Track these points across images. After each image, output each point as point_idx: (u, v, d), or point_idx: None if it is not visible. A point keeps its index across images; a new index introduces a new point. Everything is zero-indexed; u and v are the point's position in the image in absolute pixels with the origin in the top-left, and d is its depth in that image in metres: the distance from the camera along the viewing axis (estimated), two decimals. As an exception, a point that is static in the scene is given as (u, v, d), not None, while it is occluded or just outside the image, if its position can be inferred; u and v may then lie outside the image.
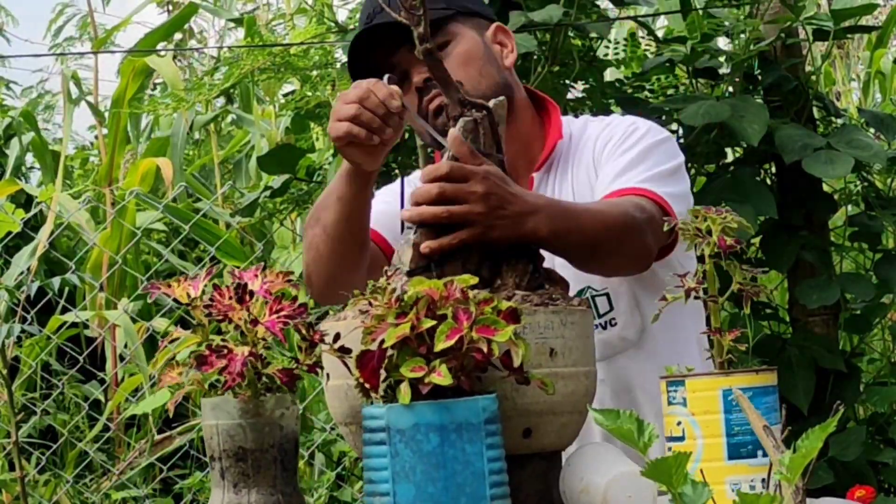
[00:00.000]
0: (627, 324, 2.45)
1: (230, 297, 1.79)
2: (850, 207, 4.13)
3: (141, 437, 5.17)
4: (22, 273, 5.30)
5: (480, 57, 2.43)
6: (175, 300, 1.84)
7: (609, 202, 2.30)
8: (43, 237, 5.24)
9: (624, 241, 2.22)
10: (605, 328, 2.45)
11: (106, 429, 5.06)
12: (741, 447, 1.72)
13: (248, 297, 1.78)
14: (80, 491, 4.85)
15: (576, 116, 3.85)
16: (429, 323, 1.69)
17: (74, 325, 5.23)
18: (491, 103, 2.04)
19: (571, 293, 2.31)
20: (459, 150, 2.01)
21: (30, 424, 4.96)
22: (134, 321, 5.14)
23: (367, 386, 1.71)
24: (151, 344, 5.29)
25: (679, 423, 1.74)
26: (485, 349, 1.69)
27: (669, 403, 1.75)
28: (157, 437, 5.06)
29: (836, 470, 3.66)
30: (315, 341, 1.78)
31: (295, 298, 1.79)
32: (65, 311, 5.15)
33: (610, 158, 2.43)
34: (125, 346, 5.19)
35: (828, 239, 3.94)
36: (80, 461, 4.96)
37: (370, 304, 1.74)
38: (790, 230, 3.81)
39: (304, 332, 1.79)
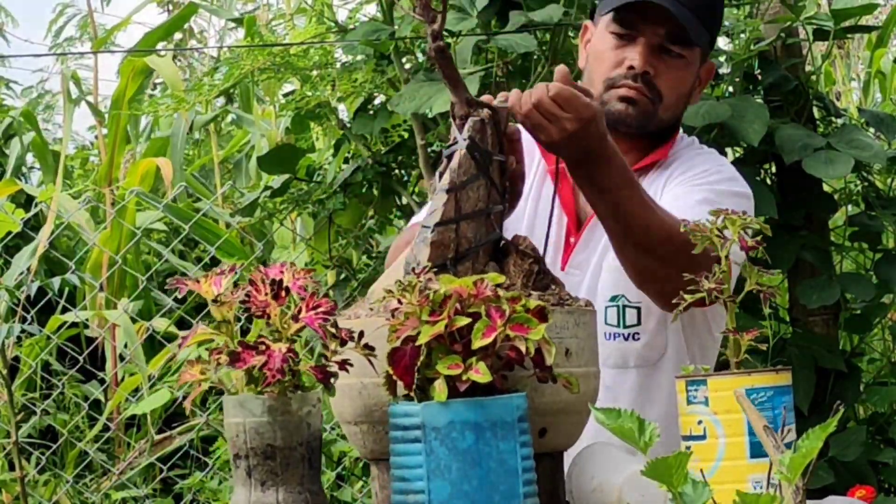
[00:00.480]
0: (650, 344, 2.46)
1: (266, 294, 1.77)
2: (850, 207, 4.13)
3: (141, 437, 5.17)
4: (22, 273, 5.30)
5: (688, 87, 2.53)
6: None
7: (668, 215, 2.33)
8: (43, 237, 5.23)
9: (672, 240, 2.17)
10: (626, 339, 2.45)
11: (106, 429, 5.06)
12: (763, 445, 1.73)
13: (283, 294, 1.77)
14: (80, 491, 4.85)
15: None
16: (463, 320, 1.69)
17: (74, 324, 5.23)
18: (496, 103, 2.05)
19: (605, 298, 2.34)
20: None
21: (30, 424, 4.96)
22: (134, 321, 5.14)
23: (400, 383, 1.71)
24: (151, 344, 5.29)
25: (700, 423, 1.75)
26: (522, 347, 1.69)
27: (689, 403, 1.76)
28: (157, 437, 5.06)
29: (836, 470, 3.66)
30: (345, 339, 1.77)
31: (326, 295, 1.79)
32: (65, 311, 5.15)
33: (683, 182, 2.47)
34: (125, 345, 5.19)
35: (828, 239, 3.94)
36: (80, 461, 4.96)
37: (399, 301, 1.74)
38: (790, 230, 3.81)
39: (335, 328, 1.77)
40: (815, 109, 3.94)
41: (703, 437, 1.75)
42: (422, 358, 1.69)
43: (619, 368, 2.44)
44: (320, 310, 1.76)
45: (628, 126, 2.47)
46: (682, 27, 2.43)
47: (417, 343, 1.69)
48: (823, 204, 3.91)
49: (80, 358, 4.93)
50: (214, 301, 1.80)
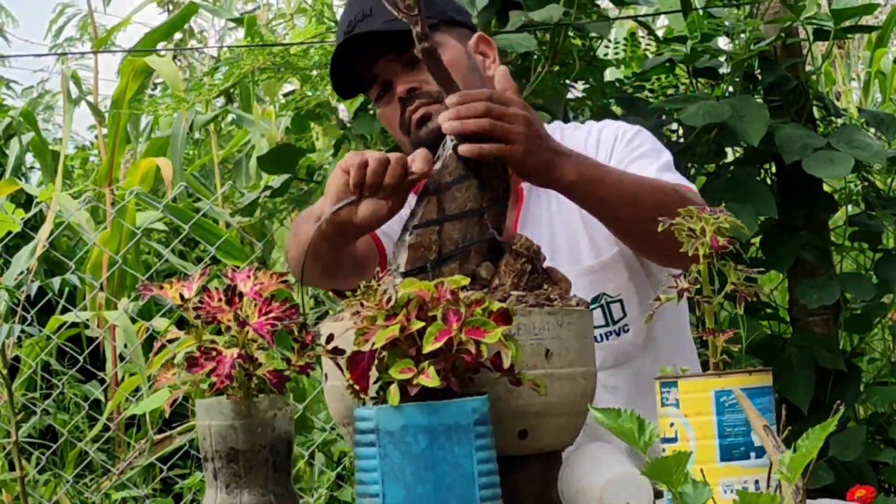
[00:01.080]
0: (639, 329, 2.45)
1: (219, 299, 1.78)
2: (850, 207, 4.13)
3: (141, 437, 5.17)
4: (22, 273, 5.30)
5: (464, 67, 2.39)
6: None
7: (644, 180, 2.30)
8: (42, 237, 5.24)
9: (662, 203, 2.13)
10: (618, 335, 2.45)
11: (106, 429, 5.06)
12: (733, 448, 1.71)
13: (237, 299, 1.78)
14: (80, 491, 4.85)
15: (575, 117, 3.88)
16: (418, 324, 1.69)
17: (75, 325, 5.23)
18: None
19: (588, 298, 2.34)
20: (509, 84, 2.11)
21: (30, 424, 4.96)
22: (134, 321, 5.14)
23: (356, 387, 1.72)
24: (151, 344, 5.29)
25: (672, 425, 1.73)
26: (473, 351, 1.68)
27: (663, 405, 1.75)
28: (157, 437, 5.06)
29: (836, 470, 3.66)
30: (307, 342, 1.78)
31: (286, 300, 1.79)
32: (65, 311, 5.15)
33: (622, 162, 2.42)
34: (125, 345, 5.19)
35: (828, 239, 3.94)
36: (80, 461, 4.96)
37: (362, 304, 1.74)
38: (790, 230, 3.81)
39: (295, 333, 1.79)
40: (815, 109, 3.94)
41: (674, 440, 1.74)
42: (380, 362, 1.70)
43: (622, 365, 2.43)
44: (271, 315, 1.76)
45: (432, 143, 2.36)
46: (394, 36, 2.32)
47: (374, 347, 1.69)
48: (823, 204, 3.91)
49: (80, 358, 4.93)
50: (180, 306, 1.81)
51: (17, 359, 4.94)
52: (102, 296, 5.39)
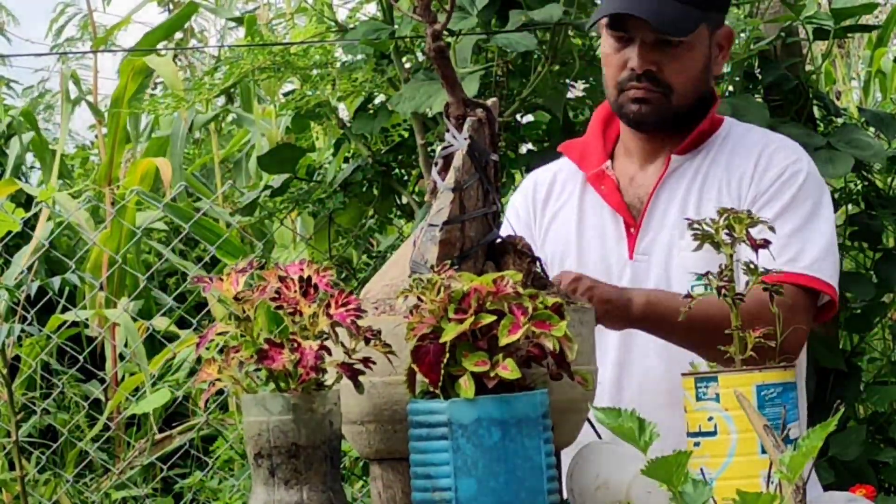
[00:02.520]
0: None
1: (295, 291, 1.76)
2: (850, 207, 4.13)
3: (141, 437, 5.17)
4: (22, 273, 5.30)
5: (701, 67, 2.51)
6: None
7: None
8: (37, 236, 5.24)
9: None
10: None
11: (106, 428, 5.06)
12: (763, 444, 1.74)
13: (312, 291, 1.76)
14: (81, 490, 4.85)
15: (575, 116, 3.88)
16: (489, 318, 1.69)
17: (75, 324, 5.23)
18: (489, 102, 2.05)
19: (692, 278, 2.36)
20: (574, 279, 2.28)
21: (30, 424, 4.96)
22: (134, 321, 5.14)
23: (422, 380, 1.71)
24: (151, 343, 5.29)
25: (711, 419, 1.76)
26: (549, 344, 1.70)
27: (698, 399, 1.76)
28: (158, 437, 5.06)
29: (836, 469, 3.66)
30: (368, 337, 1.76)
31: (351, 292, 1.78)
32: (65, 310, 5.15)
33: (771, 207, 2.44)
34: (125, 345, 5.19)
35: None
36: (81, 460, 4.96)
37: (419, 299, 1.74)
38: (790, 229, 3.81)
39: (358, 327, 1.77)
40: (815, 109, 3.94)
41: (713, 434, 1.76)
42: (447, 356, 1.70)
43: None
44: (350, 306, 1.75)
45: (648, 124, 2.51)
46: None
47: (442, 340, 1.69)
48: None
49: (80, 357, 4.93)
50: (236, 299, 1.77)
51: (17, 358, 4.94)
52: (102, 295, 5.39)
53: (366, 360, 1.76)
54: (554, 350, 1.71)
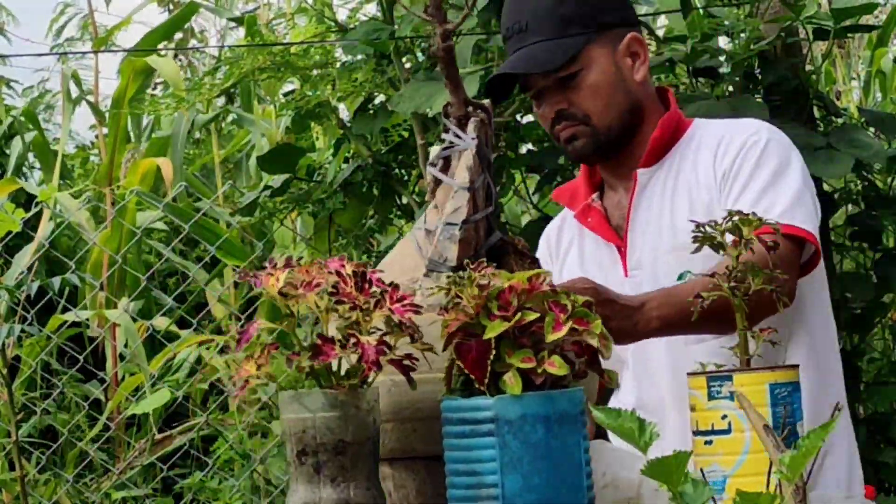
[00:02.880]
0: None
1: (351, 286, 1.75)
2: (850, 207, 4.13)
3: (141, 437, 5.17)
4: (22, 273, 5.30)
5: (610, 84, 2.50)
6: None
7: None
8: (39, 236, 5.24)
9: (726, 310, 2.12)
10: None
11: (106, 428, 5.06)
12: (787, 439, 1.75)
13: (367, 286, 1.76)
14: (81, 490, 4.85)
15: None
16: (532, 315, 1.71)
17: (75, 324, 5.23)
18: (485, 102, 2.07)
19: (671, 280, 2.41)
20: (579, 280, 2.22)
21: (30, 424, 4.96)
22: (134, 321, 5.14)
23: (472, 377, 1.71)
24: (151, 343, 5.29)
25: (724, 417, 1.77)
26: (594, 342, 1.72)
27: (711, 398, 1.77)
28: (158, 437, 5.06)
29: (836, 469, 3.66)
30: (413, 335, 1.76)
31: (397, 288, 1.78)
32: (65, 310, 5.15)
33: (738, 178, 2.46)
34: (125, 345, 5.19)
35: (828, 238, 3.94)
36: (81, 461, 4.96)
37: (458, 296, 1.74)
38: (790, 230, 3.80)
39: (406, 323, 1.76)
40: (815, 109, 3.94)
41: (727, 432, 1.77)
42: (493, 353, 1.70)
43: (702, 342, 2.44)
44: (405, 302, 1.75)
45: (589, 155, 2.54)
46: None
47: (486, 337, 1.70)
48: (823, 204, 3.90)
49: (80, 358, 4.93)
50: (282, 294, 1.75)
51: (17, 358, 4.94)
52: (103, 295, 5.39)
53: (409, 357, 1.76)
54: (595, 347, 1.73)
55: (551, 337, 1.70)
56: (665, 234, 2.50)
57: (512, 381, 1.69)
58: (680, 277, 2.44)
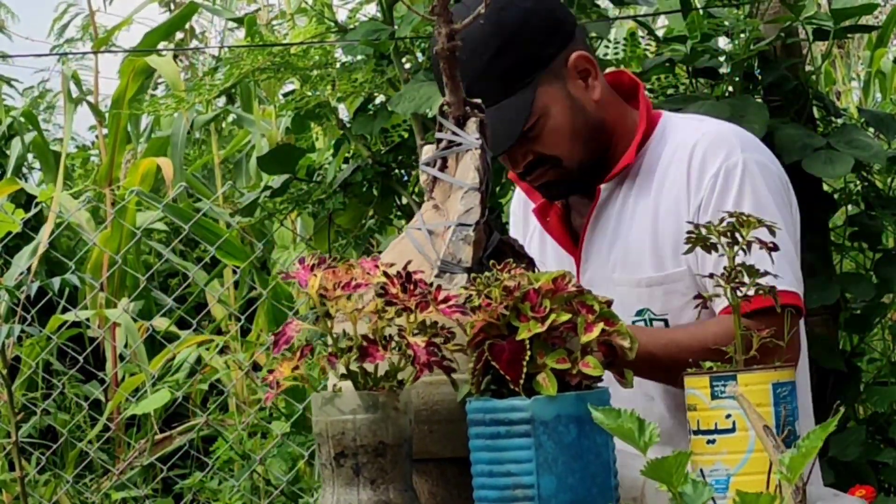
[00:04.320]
0: None
1: (397, 287, 1.74)
2: (850, 207, 4.13)
3: (141, 437, 5.17)
4: (22, 273, 5.30)
5: (570, 120, 2.37)
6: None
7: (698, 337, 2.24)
8: (43, 237, 5.24)
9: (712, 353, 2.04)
10: None
11: (106, 429, 5.06)
12: (787, 439, 1.77)
13: (412, 287, 1.74)
14: (80, 491, 4.85)
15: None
16: (565, 316, 1.72)
17: (75, 325, 5.23)
18: (478, 101, 2.07)
19: (630, 313, 2.36)
20: None
21: (30, 424, 4.97)
22: (134, 321, 5.14)
23: (507, 377, 1.71)
24: (151, 344, 5.29)
25: (728, 416, 1.78)
26: (626, 343, 1.74)
27: (714, 398, 1.78)
28: (158, 437, 5.06)
29: (836, 470, 3.66)
30: (447, 336, 1.75)
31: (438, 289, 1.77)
32: (65, 311, 5.15)
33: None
34: (125, 345, 5.19)
35: (828, 239, 3.94)
36: (81, 461, 4.96)
37: (488, 297, 1.74)
38: (790, 230, 3.81)
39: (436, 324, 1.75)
40: (814, 109, 3.94)
41: (732, 431, 1.78)
42: (528, 354, 1.71)
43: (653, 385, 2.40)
44: (451, 303, 1.74)
45: (565, 195, 2.45)
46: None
47: (519, 338, 1.71)
48: (823, 204, 3.91)
49: (80, 358, 4.94)
50: (322, 296, 1.73)
51: (17, 359, 4.94)
52: (102, 296, 5.39)
53: (447, 358, 1.76)
54: (624, 348, 1.75)
55: (585, 338, 1.73)
56: (616, 265, 2.40)
57: (546, 382, 1.70)
58: (639, 314, 2.38)
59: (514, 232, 2.61)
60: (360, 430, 1.72)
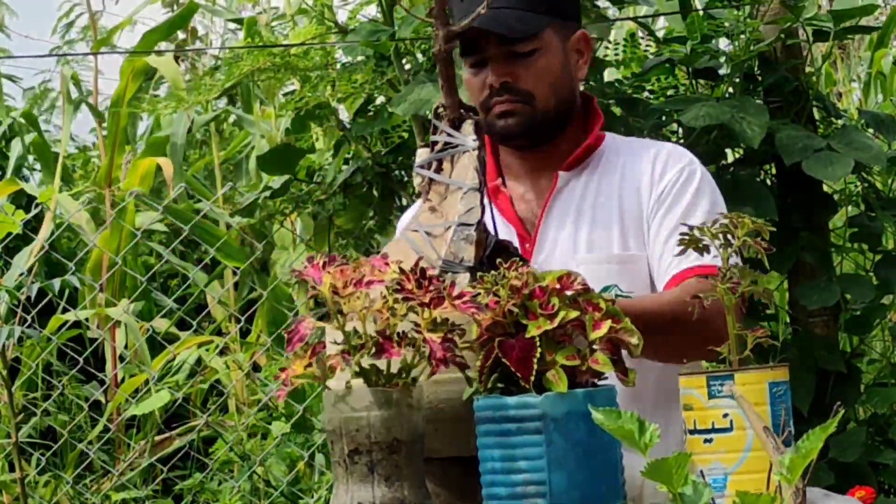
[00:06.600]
0: None
1: (411, 284, 1.74)
2: (850, 208, 4.13)
3: (141, 438, 5.17)
4: (22, 274, 5.30)
5: (558, 71, 2.51)
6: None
7: (661, 300, 2.35)
8: (41, 238, 5.24)
9: (682, 322, 2.16)
10: None
11: (106, 429, 5.06)
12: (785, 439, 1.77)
13: (427, 283, 1.74)
14: (80, 492, 4.85)
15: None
16: (574, 314, 1.73)
17: (75, 325, 5.23)
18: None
19: (598, 289, 2.37)
20: None
21: (30, 425, 4.97)
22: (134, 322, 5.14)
23: (518, 375, 1.72)
24: (151, 345, 5.29)
25: (726, 415, 1.78)
26: (634, 340, 1.75)
27: (712, 397, 1.78)
28: (158, 438, 5.06)
29: (836, 471, 3.66)
30: (460, 334, 1.75)
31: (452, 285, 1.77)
32: (65, 312, 5.15)
33: (674, 208, 2.49)
34: (125, 346, 5.19)
35: (828, 240, 3.94)
36: (81, 462, 4.96)
37: (496, 296, 1.75)
38: (790, 231, 3.81)
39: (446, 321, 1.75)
40: (815, 110, 3.94)
41: (729, 430, 1.78)
42: (538, 351, 1.72)
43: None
44: (465, 299, 1.74)
45: (518, 136, 2.51)
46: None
47: (528, 335, 1.72)
48: (823, 205, 3.90)
49: (80, 359, 4.93)
50: (334, 293, 1.72)
51: (17, 359, 4.94)
52: (102, 297, 5.39)
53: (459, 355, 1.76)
54: (634, 344, 1.76)
55: (593, 335, 1.73)
56: (581, 243, 2.50)
57: (557, 379, 1.71)
58: (605, 290, 2.43)
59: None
60: (375, 426, 1.71)
